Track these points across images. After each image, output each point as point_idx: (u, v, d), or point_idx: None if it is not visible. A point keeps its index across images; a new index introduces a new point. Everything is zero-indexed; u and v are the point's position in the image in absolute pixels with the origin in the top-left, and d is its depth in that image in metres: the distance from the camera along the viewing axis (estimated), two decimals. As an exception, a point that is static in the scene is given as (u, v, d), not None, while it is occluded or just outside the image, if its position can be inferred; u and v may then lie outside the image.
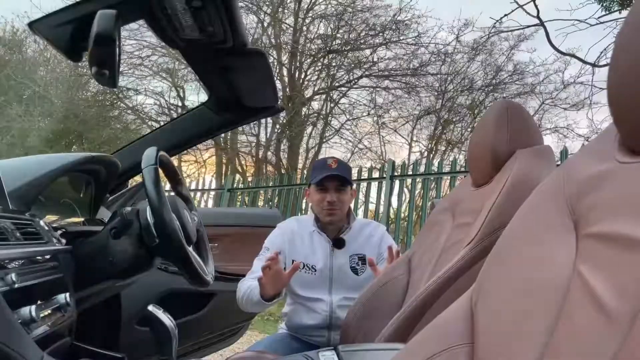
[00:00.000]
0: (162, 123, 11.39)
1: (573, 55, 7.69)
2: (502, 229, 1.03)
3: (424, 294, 1.05)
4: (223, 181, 7.33)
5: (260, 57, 1.11)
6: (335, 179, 1.73)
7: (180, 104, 11.03)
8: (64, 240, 1.05)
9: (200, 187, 7.46)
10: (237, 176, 10.28)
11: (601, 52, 7.50)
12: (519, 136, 1.20)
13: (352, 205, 1.91)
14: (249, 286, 1.60)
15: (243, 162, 11.22)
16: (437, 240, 1.36)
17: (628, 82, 0.54)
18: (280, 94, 9.79)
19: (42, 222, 0.98)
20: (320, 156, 10.62)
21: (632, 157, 0.54)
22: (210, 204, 7.42)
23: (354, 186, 1.96)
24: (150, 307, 0.84)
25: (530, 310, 0.57)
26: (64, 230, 1.06)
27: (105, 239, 1.09)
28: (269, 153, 10.52)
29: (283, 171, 9.61)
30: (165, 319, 0.83)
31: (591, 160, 0.61)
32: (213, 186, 7.43)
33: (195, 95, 11.69)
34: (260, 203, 7.01)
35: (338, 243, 1.77)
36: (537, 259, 0.60)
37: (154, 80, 10.71)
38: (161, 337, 0.83)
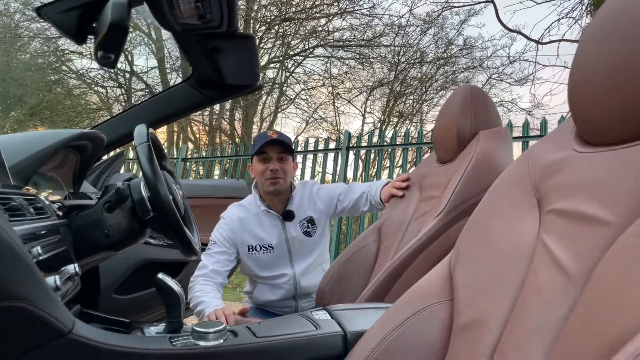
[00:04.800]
0: (108, 89, 10.99)
1: (519, 32, 7.99)
2: (468, 201, 1.17)
3: (400, 259, 1.18)
4: (175, 150, 7.21)
5: (249, 40, 1.17)
6: (277, 145, 1.73)
7: (128, 68, 10.62)
8: (60, 214, 1.10)
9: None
10: (190, 145, 10.13)
11: (545, 30, 7.86)
12: (481, 118, 1.33)
13: (298, 177, 1.97)
14: (201, 302, 1.57)
15: (195, 130, 11.05)
16: (405, 211, 1.49)
17: (584, 87, 0.66)
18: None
19: (42, 197, 1.03)
20: (276, 126, 10.61)
21: (587, 148, 0.67)
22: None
23: (303, 157, 2.01)
24: (160, 275, 0.92)
25: (502, 271, 0.69)
26: (60, 204, 1.11)
27: (99, 212, 1.14)
28: (223, 122, 10.40)
29: (238, 140, 9.56)
30: (174, 285, 0.91)
31: (552, 149, 0.74)
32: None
33: (144, 60, 11.29)
34: (216, 173, 6.99)
35: (287, 216, 1.80)
36: (507, 229, 0.73)
37: (100, 43, 10.21)
38: (170, 302, 0.91)
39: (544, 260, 0.63)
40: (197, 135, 11.18)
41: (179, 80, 10.56)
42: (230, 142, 9.70)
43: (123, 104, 10.79)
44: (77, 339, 0.71)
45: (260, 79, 1.45)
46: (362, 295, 1.18)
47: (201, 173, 6.72)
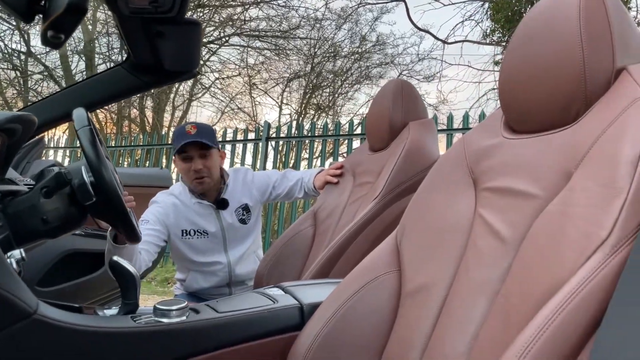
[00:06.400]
0: (1, 71, 10.01)
1: (427, 31, 8.46)
2: (402, 185, 1.28)
3: (341, 240, 1.26)
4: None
5: (195, 26, 1.17)
6: (196, 144, 1.67)
7: (24, 49, 9.76)
8: (-5, 199, 1.05)
9: (54, 145, 6.83)
10: (96, 133, 9.51)
11: (450, 31, 8.39)
12: (411, 110, 1.45)
13: (226, 166, 1.94)
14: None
15: (102, 118, 10.43)
16: (340, 196, 1.58)
17: (512, 83, 0.78)
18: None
19: (-23, 181, 0.98)
20: (190, 115, 10.31)
21: (514, 135, 0.78)
22: (67, 163, 6.86)
23: (222, 147, 1.94)
24: (115, 258, 0.92)
25: (444, 241, 0.79)
26: (-6, 189, 1.05)
27: (37, 198, 1.10)
28: (133, 110, 9.94)
29: (149, 129, 9.18)
30: (130, 267, 0.92)
31: (484, 136, 0.85)
32: (63, 144, 6.82)
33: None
34: (126, 164, 6.68)
35: (221, 204, 1.78)
36: (447, 205, 0.83)
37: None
38: (126, 283, 0.91)
39: (482, 230, 0.74)
40: (103, 124, 10.56)
41: (82, 63, 9.91)
42: (140, 131, 9.29)
43: (18, 87, 9.91)
44: (42, 319, 0.70)
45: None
46: (308, 273, 1.25)
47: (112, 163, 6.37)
